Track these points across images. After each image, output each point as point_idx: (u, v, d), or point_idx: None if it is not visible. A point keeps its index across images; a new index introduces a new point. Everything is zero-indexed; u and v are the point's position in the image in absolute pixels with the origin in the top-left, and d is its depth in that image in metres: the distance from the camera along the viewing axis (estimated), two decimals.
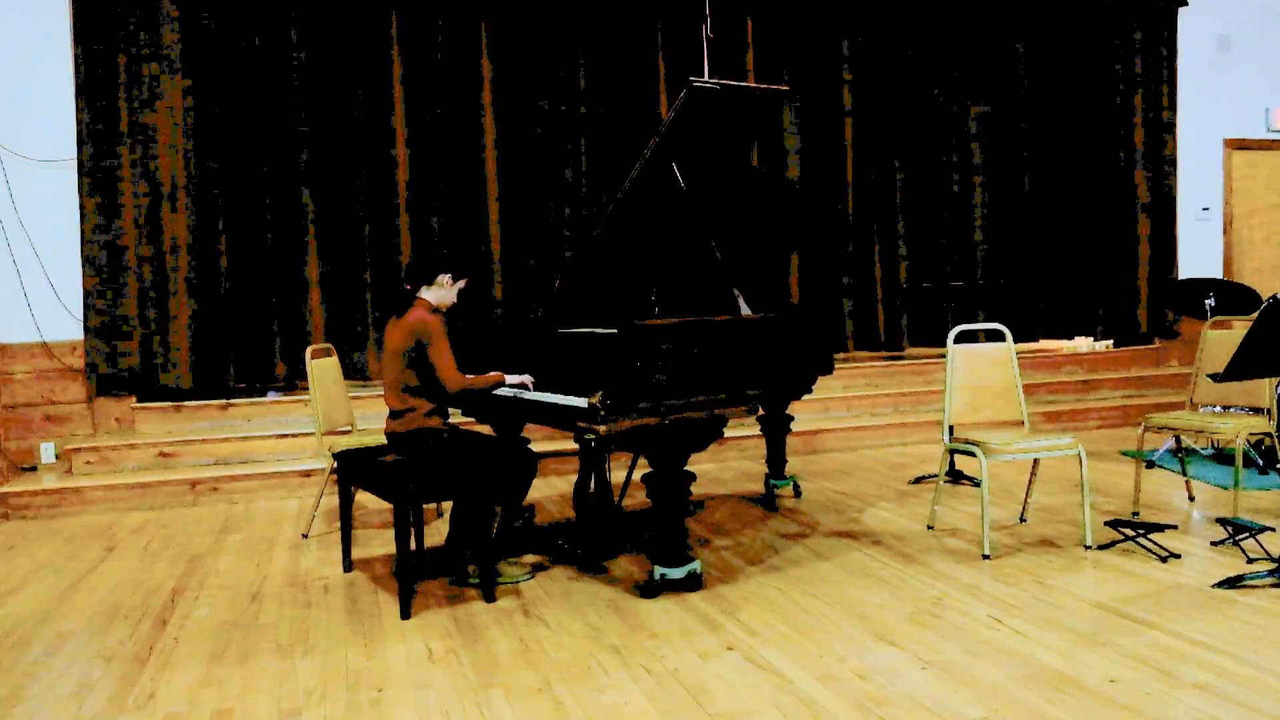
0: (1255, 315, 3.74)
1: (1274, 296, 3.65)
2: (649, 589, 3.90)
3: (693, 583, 3.95)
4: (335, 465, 4.54)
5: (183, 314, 6.76)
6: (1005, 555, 4.32)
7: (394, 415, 4.04)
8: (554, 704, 2.95)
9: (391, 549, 4.72)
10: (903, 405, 7.67)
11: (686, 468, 3.90)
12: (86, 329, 6.62)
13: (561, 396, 3.88)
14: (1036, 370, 8.29)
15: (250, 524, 5.41)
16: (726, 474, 6.34)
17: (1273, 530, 4.50)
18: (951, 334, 4.63)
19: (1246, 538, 4.27)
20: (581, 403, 3.70)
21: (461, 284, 4.14)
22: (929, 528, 4.83)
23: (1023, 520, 4.89)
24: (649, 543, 4.55)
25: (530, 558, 4.49)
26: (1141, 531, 4.36)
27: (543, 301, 4.99)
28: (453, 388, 3.92)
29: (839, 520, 5.05)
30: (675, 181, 4.46)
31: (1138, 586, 3.84)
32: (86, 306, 6.61)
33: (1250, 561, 4.09)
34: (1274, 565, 3.89)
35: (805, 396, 5.20)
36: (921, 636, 3.40)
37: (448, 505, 5.39)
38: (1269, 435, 4.78)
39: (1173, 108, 9.06)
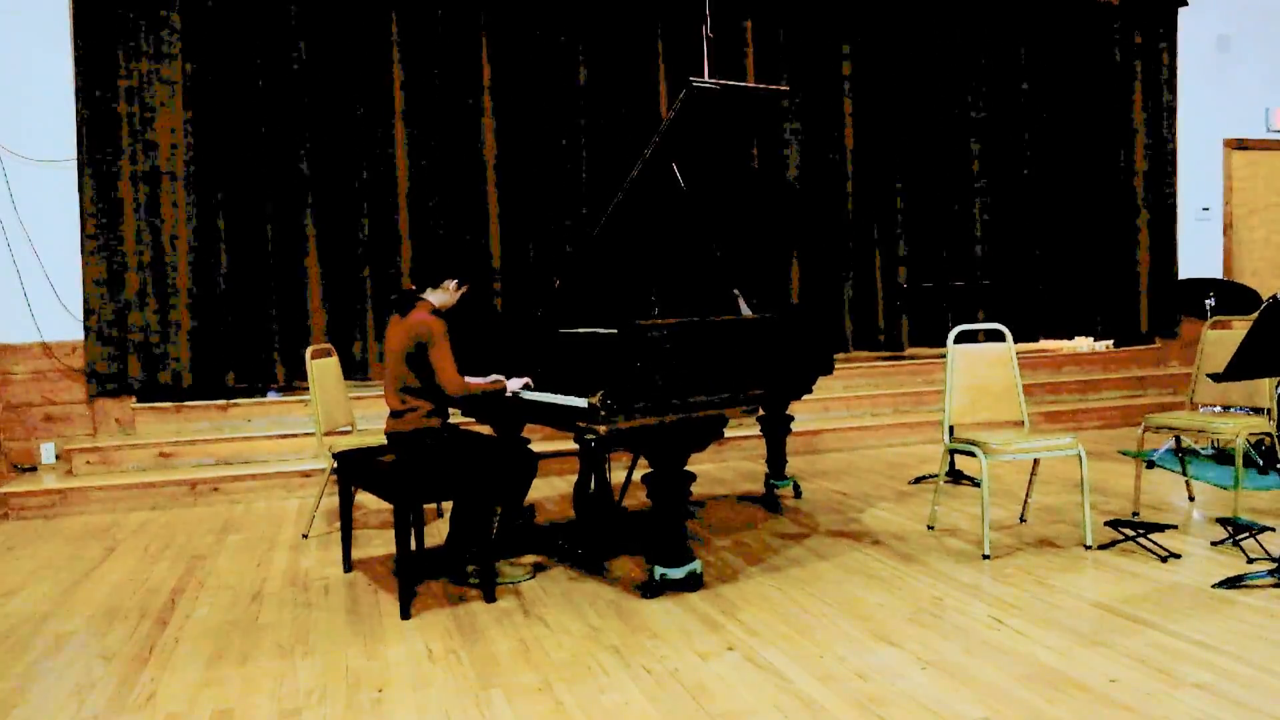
0: (1255, 315, 3.74)
1: (1274, 296, 3.65)
2: (649, 589, 3.90)
3: (693, 583, 3.95)
4: (335, 465, 4.54)
5: (183, 314, 6.76)
6: (1005, 555, 4.32)
7: (394, 415, 4.04)
8: (554, 704, 2.95)
9: (391, 549, 4.72)
10: (903, 405, 7.67)
11: (686, 468, 3.90)
12: (86, 329, 6.62)
13: (562, 396, 3.88)
14: (1036, 370, 8.29)
15: (250, 524, 5.41)
16: (726, 474, 6.34)
17: (1273, 530, 4.50)
18: (951, 334, 4.63)
19: (1246, 538, 4.27)
20: (582, 403, 3.70)
21: (464, 290, 4.18)
22: (929, 528, 4.83)
23: (1023, 520, 4.89)
24: (649, 543, 4.55)
25: (530, 558, 4.49)
26: (1141, 531, 4.36)
27: (543, 301, 4.99)
28: (453, 391, 3.92)
29: (839, 520, 5.05)
30: (675, 181, 4.46)
31: (1138, 586, 3.84)
32: (86, 306, 6.61)
33: (1250, 561, 4.09)
34: (1274, 565, 3.89)
35: (805, 396, 5.19)
36: (921, 636, 3.40)
37: (448, 505, 5.40)
38: (1269, 435, 4.78)
39: (1173, 108, 9.06)
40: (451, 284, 4.11)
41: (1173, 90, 9.05)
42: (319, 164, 7.02)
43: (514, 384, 4.11)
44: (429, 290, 4.09)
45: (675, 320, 3.84)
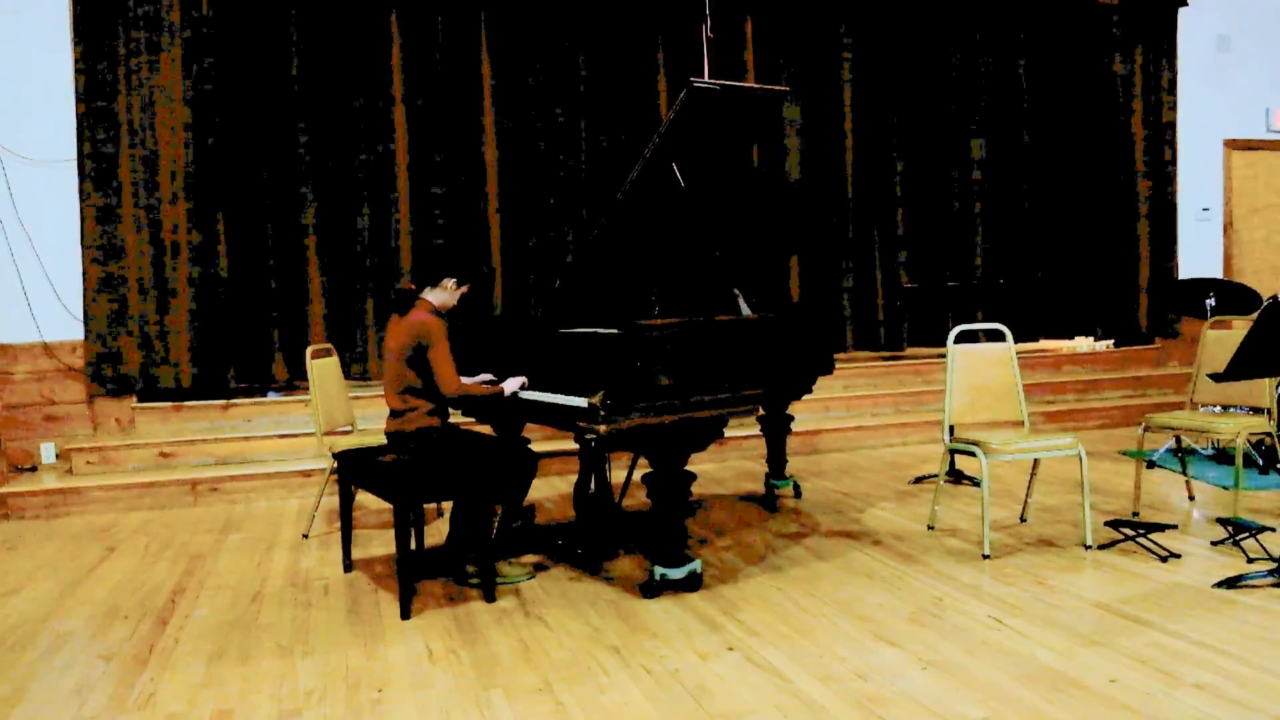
0: (1255, 315, 3.74)
1: (1274, 296, 3.65)
2: (649, 589, 3.90)
3: (693, 583, 3.95)
4: (335, 465, 4.54)
5: (183, 314, 6.76)
6: (1005, 555, 4.32)
7: (394, 415, 4.04)
8: (554, 704, 2.95)
9: (391, 549, 4.72)
10: (903, 405, 7.67)
11: (686, 468, 3.90)
12: (86, 329, 6.62)
13: (562, 396, 3.88)
14: (1036, 370, 8.28)
15: (250, 524, 5.41)
16: (726, 474, 6.34)
17: (1273, 530, 4.50)
18: (951, 334, 4.63)
19: (1246, 538, 4.27)
20: (582, 403, 3.70)
21: (464, 290, 4.16)
22: (929, 528, 4.83)
23: (1023, 520, 4.89)
24: (649, 543, 4.55)
25: (530, 558, 4.49)
26: (1141, 531, 4.36)
27: (543, 301, 4.99)
28: (450, 393, 3.92)
29: (839, 520, 5.05)
30: (675, 181, 4.46)
31: (1138, 586, 3.84)
32: (86, 306, 6.61)
33: (1250, 561, 4.09)
34: (1274, 565, 3.89)
35: (805, 396, 5.20)
36: (921, 636, 3.40)
37: (448, 505, 5.40)
38: (1269, 435, 4.78)
39: (1173, 108, 9.06)
40: (450, 282, 4.10)
41: (1173, 90, 9.05)
42: (319, 164, 7.02)
43: (510, 385, 4.10)
44: (428, 289, 4.08)
45: (675, 320, 3.83)
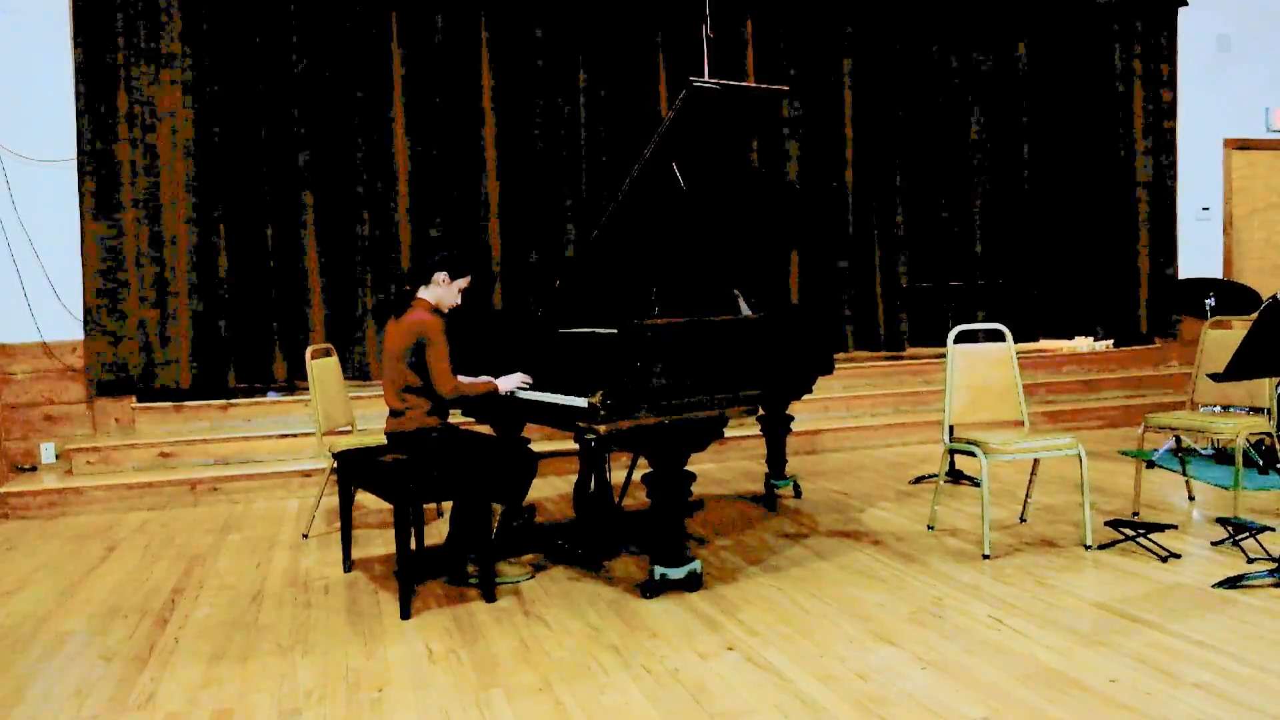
0: (1255, 315, 3.74)
1: (1274, 296, 3.65)
2: (649, 589, 3.90)
3: (693, 583, 3.95)
4: (335, 465, 4.54)
5: (183, 314, 6.76)
6: (1005, 555, 4.32)
7: (394, 415, 4.04)
8: (554, 704, 2.95)
9: (391, 549, 4.72)
10: (903, 405, 7.67)
11: (686, 468, 3.90)
12: (86, 329, 6.62)
13: (562, 396, 3.88)
14: (1036, 370, 8.29)
15: (250, 524, 5.41)
16: (726, 474, 6.34)
17: (1273, 530, 4.50)
18: (951, 334, 4.63)
19: (1246, 538, 4.27)
20: (582, 402, 3.70)
21: (462, 283, 4.14)
22: (929, 528, 4.83)
23: (1023, 520, 4.89)
24: (649, 543, 4.55)
25: (530, 558, 4.49)
26: (1141, 531, 4.36)
27: (543, 301, 4.99)
28: (446, 393, 3.92)
29: (839, 520, 5.05)
30: (675, 181, 4.46)
31: (1138, 586, 3.84)
32: (86, 306, 6.61)
33: (1250, 561, 4.09)
34: (1274, 565, 3.89)
35: (805, 396, 5.20)
36: (921, 636, 3.40)
37: (448, 505, 5.40)
38: (1269, 435, 4.79)
39: (1173, 107, 9.05)
40: (442, 277, 4.07)
41: (1173, 90, 9.05)
42: (319, 163, 7.02)
43: (507, 383, 4.10)
44: (422, 288, 4.08)
45: (675, 320, 3.83)
